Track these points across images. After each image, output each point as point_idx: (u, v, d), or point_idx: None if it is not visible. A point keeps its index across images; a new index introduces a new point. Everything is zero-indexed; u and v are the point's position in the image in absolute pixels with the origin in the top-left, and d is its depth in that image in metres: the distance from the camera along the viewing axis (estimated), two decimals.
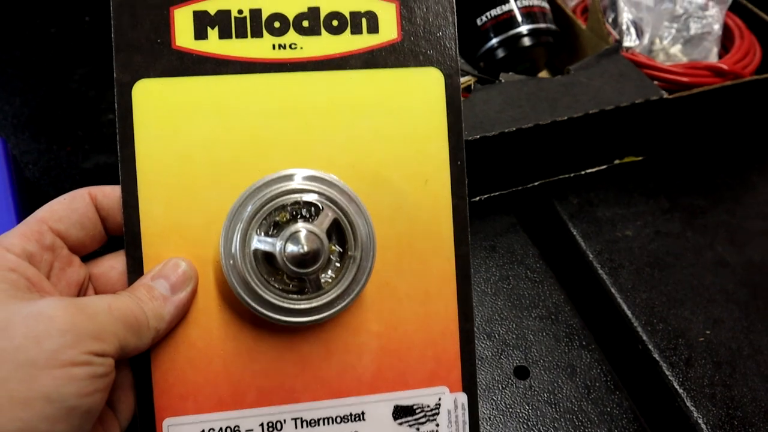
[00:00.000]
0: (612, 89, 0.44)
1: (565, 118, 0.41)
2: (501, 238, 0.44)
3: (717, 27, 0.50)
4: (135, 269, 0.26)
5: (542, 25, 0.49)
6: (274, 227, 0.26)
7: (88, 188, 0.27)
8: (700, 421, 0.35)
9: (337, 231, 0.26)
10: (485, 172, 0.43)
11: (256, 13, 0.27)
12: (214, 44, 0.27)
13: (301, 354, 0.27)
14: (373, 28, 0.28)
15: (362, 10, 0.28)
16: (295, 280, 0.26)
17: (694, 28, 0.51)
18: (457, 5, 0.52)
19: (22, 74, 0.55)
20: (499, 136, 0.40)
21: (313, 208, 0.26)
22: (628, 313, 0.40)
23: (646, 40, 0.51)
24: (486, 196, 0.45)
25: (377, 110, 0.28)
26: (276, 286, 0.26)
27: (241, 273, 0.25)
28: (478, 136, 0.40)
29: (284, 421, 0.27)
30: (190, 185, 0.26)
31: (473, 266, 0.42)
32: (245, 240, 0.25)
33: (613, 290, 0.41)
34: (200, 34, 0.27)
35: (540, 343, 0.39)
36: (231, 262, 0.25)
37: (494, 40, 0.49)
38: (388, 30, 0.28)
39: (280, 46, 0.27)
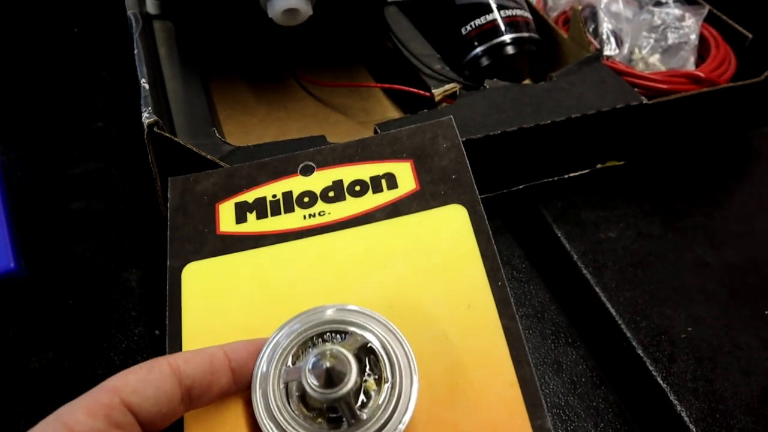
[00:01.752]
0: (594, 95, 0.45)
1: (549, 122, 0.42)
2: None
3: (693, 37, 0.52)
4: None
5: (525, 34, 0.50)
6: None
7: (168, 357, 0.23)
8: (683, 414, 0.36)
9: (374, 360, 0.25)
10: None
11: (287, 195, 0.31)
12: (252, 224, 0.30)
13: None
14: (393, 185, 0.31)
15: (380, 174, 0.31)
16: (330, 415, 0.24)
17: (672, 38, 0.52)
18: (442, 15, 0.53)
19: (11, 83, 0.56)
20: (484, 138, 0.41)
21: (343, 336, 0.25)
22: (612, 311, 0.41)
23: (625, 49, 0.52)
24: None
25: (408, 251, 0.28)
26: (307, 424, 0.24)
27: (268, 407, 0.24)
28: (463, 139, 0.41)
29: None
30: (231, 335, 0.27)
31: None
32: (276, 370, 0.24)
33: (597, 289, 0.42)
34: (240, 219, 0.31)
35: (527, 341, 0.39)
36: (259, 394, 0.24)
37: (478, 49, 0.50)
38: (407, 183, 0.30)
39: (310, 215, 0.30)
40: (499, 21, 0.50)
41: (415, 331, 0.26)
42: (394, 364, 0.24)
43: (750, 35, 0.52)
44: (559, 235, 0.45)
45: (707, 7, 0.53)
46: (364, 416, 0.23)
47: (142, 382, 0.22)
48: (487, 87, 0.45)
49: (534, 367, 0.37)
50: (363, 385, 0.24)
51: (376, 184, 0.31)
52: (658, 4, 0.55)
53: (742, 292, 0.43)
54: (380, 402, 0.23)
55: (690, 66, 0.52)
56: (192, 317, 0.28)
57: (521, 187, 0.46)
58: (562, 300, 0.42)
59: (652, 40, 0.53)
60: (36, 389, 0.35)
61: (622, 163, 0.49)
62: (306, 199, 0.31)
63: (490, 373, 0.25)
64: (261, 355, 0.25)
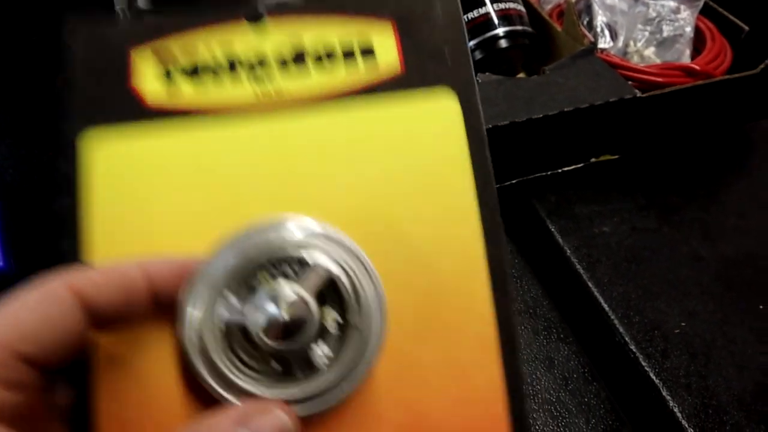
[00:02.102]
0: (587, 88, 0.45)
1: (541, 115, 0.42)
2: None
3: (689, 30, 0.51)
4: None
5: (518, 28, 0.50)
6: (251, 292, 0.20)
7: (69, 281, 0.19)
8: (675, 410, 0.36)
9: (335, 294, 0.20)
10: None
11: (232, 57, 0.23)
12: (181, 88, 0.23)
13: None
14: (369, 57, 0.24)
15: (353, 39, 0.24)
16: (279, 359, 0.20)
17: (667, 30, 0.52)
18: None
19: (3, 81, 0.56)
20: None
21: (301, 266, 0.20)
22: (605, 306, 0.40)
23: (620, 42, 0.52)
24: None
25: (382, 149, 0.23)
26: (255, 367, 0.20)
27: (205, 351, 0.19)
28: None
29: None
30: (153, 243, 0.21)
31: None
32: (212, 309, 0.20)
33: (590, 284, 0.41)
34: (167, 77, 0.23)
35: (519, 337, 0.39)
36: (193, 336, 0.19)
37: (471, 43, 0.50)
38: (388, 56, 0.24)
39: (263, 94, 0.23)
40: (492, 14, 0.50)
41: (382, 253, 0.21)
42: (362, 305, 0.20)
43: (746, 27, 0.52)
44: (553, 229, 0.44)
45: (702, 0, 0.53)
46: (324, 365, 0.20)
47: (38, 325, 0.18)
48: (480, 81, 0.45)
49: (525, 362, 0.37)
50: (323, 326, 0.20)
51: (348, 54, 0.23)
52: None
53: (738, 286, 0.42)
54: (344, 348, 0.20)
55: (685, 59, 0.51)
56: (100, 208, 0.21)
57: (514, 181, 0.46)
58: (554, 295, 0.42)
59: (647, 33, 0.52)
60: None
61: (616, 157, 0.48)
62: (257, 67, 0.23)
63: (465, 308, 0.22)
64: (192, 281, 0.20)
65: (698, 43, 0.53)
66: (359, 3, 0.24)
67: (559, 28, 0.51)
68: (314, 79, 0.23)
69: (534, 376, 0.37)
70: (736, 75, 0.47)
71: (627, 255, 0.43)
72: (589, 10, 0.53)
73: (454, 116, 0.23)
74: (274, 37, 0.23)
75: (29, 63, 0.57)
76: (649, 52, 0.52)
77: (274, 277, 0.20)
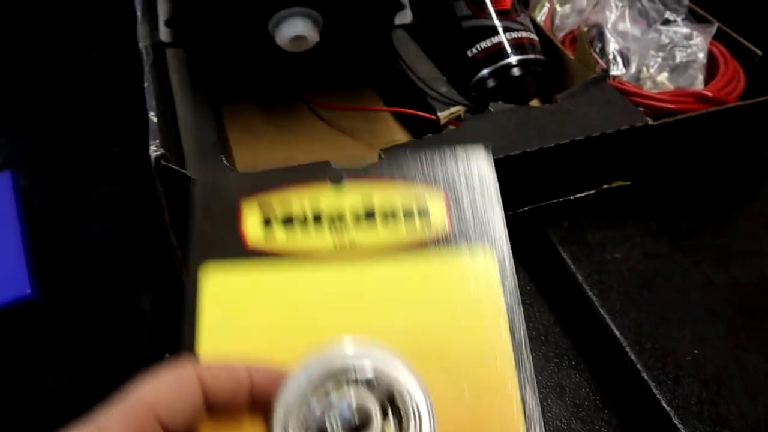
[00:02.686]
0: (598, 116, 0.45)
1: (552, 145, 0.43)
2: None
3: (702, 55, 0.52)
4: None
5: (531, 56, 0.51)
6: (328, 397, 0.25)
7: (196, 368, 0.23)
8: None
9: (394, 406, 0.25)
10: None
11: (317, 213, 0.30)
12: (279, 237, 0.29)
13: None
14: (425, 217, 0.30)
15: (412, 200, 0.30)
16: None
17: (680, 56, 0.52)
18: (448, 38, 0.54)
19: (29, 110, 0.58)
20: None
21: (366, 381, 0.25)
22: (617, 332, 0.41)
23: (633, 68, 0.52)
24: None
25: (434, 295, 0.28)
26: None
27: None
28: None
29: None
30: (247, 353, 0.26)
31: None
32: (298, 411, 0.24)
33: (602, 311, 0.42)
34: (267, 225, 0.29)
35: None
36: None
37: (485, 71, 0.50)
38: (439, 218, 0.29)
39: (341, 246, 0.29)
40: (505, 43, 0.51)
41: (432, 375, 0.26)
42: (417, 417, 0.24)
43: (760, 52, 0.52)
44: (565, 256, 0.45)
45: (715, 25, 0.53)
46: None
47: (174, 397, 0.22)
48: (492, 110, 0.46)
49: (537, 390, 0.38)
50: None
51: (407, 214, 0.30)
52: (667, 22, 0.55)
53: (750, 311, 0.42)
54: None
55: (699, 84, 0.52)
56: (209, 321, 0.27)
57: (527, 208, 0.47)
58: (566, 322, 0.42)
59: (659, 59, 0.53)
60: (51, 411, 0.37)
61: (628, 183, 0.49)
62: (336, 221, 0.29)
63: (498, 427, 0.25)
64: (282, 389, 0.24)
65: (711, 68, 0.53)
66: (418, 172, 0.30)
67: (571, 56, 0.52)
68: (380, 234, 0.29)
69: (545, 404, 0.38)
70: (749, 101, 0.47)
71: (639, 281, 0.44)
72: (601, 36, 0.53)
73: (491, 268, 0.28)
74: (351, 197, 0.30)
75: (54, 90, 0.60)
76: (662, 77, 0.53)
77: (344, 386, 0.25)
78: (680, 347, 0.40)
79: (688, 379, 0.39)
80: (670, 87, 0.52)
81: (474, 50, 0.51)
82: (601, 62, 0.52)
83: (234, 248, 0.28)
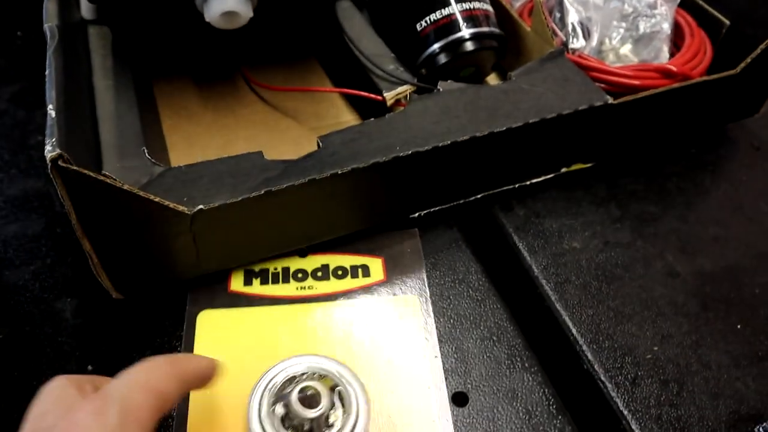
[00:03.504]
0: (555, 95, 0.42)
1: (504, 128, 0.40)
2: (442, 254, 0.42)
3: (666, 26, 0.48)
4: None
5: (485, 29, 0.47)
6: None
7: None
8: None
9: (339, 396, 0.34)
10: (423, 187, 0.41)
11: (285, 270, 0.41)
12: (256, 288, 0.40)
13: None
14: (366, 274, 0.41)
15: (358, 264, 0.41)
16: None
17: (644, 27, 0.49)
18: (396, 10, 0.50)
19: None
20: (432, 150, 0.38)
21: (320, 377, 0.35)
22: (573, 330, 0.38)
23: (594, 40, 0.49)
24: (426, 211, 0.43)
25: (372, 325, 0.38)
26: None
27: (260, 422, 0.33)
28: (410, 152, 0.38)
29: None
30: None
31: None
32: (269, 404, 0.33)
33: (558, 307, 0.39)
34: (247, 282, 0.40)
35: (480, 367, 0.37)
36: (255, 420, 0.33)
37: (435, 46, 0.47)
38: (377, 274, 0.40)
39: (301, 288, 0.40)
40: (457, 15, 0.47)
41: (370, 379, 0.35)
42: (353, 401, 0.33)
43: (727, 22, 0.49)
44: (520, 247, 0.42)
45: None
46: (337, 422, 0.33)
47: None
48: (441, 90, 0.42)
49: (486, 395, 0.35)
50: (330, 413, 0.33)
51: (354, 271, 0.41)
52: None
53: (715, 303, 0.40)
54: (341, 425, 0.33)
55: (663, 57, 0.48)
56: (201, 349, 0.37)
57: (479, 196, 0.44)
58: (520, 319, 0.39)
59: (622, 30, 0.49)
60: None
61: (589, 165, 0.46)
62: (300, 275, 0.40)
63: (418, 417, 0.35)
64: (256, 389, 0.34)
65: (677, 38, 0.50)
66: (363, 248, 0.42)
67: (528, 28, 0.48)
68: (334, 284, 0.40)
69: (495, 411, 0.35)
70: (715, 76, 0.44)
71: (598, 273, 0.41)
72: (561, 6, 0.50)
73: (417, 309, 0.39)
74: (312, 262, 0.41)
75: None
76: (626, 50, 0.49)
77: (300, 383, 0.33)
78: (640, 345, 0.38)
79: (647, 380, 0.36)
80: (634, 60, 0.49)
81: (423, 23, 0.47)
82: (560, 34, 0.48)
83: (223, 299, 0.39)
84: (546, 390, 0.36)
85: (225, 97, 0.50)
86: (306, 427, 0.32)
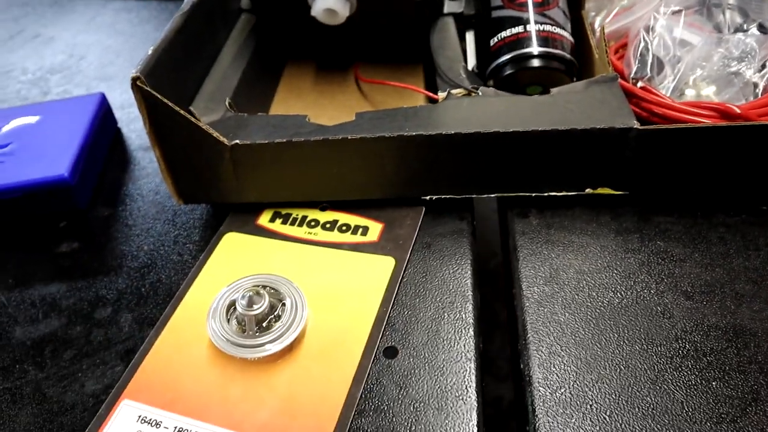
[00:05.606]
0: (582, 113, 0.43)
1: (510, 131, 0.42)
2: (440, 238, 0.45)
3: (750, 73, 0.45)
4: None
5: (556, 51, 0.49)
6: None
7: None
8: None
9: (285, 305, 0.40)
10: (435, 171, 0.45)
11: (304, 217, 0.48)
12: (276, 226, 0.48)
13: (230, 388, 0.37)
14: (364, 233, 0.46)
15: (361, 224, 0.47)
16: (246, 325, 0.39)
17: (732, 69, 0.46)
18: (486, 27, 0.54)
19: None
20: (446, 136, 0.42)
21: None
22: (529, 345, 0.39)
23: (672, 76, 0.48)
24: (436, 197, 0.47)
25: (348, 271, 0.44)
26: (237, 330, 0.39)
27: (218, 320, 0.39)
28: (416, 133, 0.43)
29: (190, 431, 0.35)
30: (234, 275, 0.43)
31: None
32: (225, 307, 0.40)
33: (525, 314, 0.40)
34: (272, 220, 0.48)
35: (422, 335, 0.40)
36: (214, 321, 0.39)
37: (504, 57, 0.50)
38: (373, 235, 0.46)
39: (308, 233, 0.47)
40: (532, 33, 0.50)
41: (322, 309, 0.41)
42: (293, 314, 0.39)
43: None
44: (518, 248, 0.44)
45: None
46: (272, 328, 0.39)
47: None
48: (480, 93, 0.46)
49: (413, 357, 0.38)
50: (272, 316, 0.39)
51: (355, 230, 0.47)
52: (739, 31, 0.49)
53: (699, 356, 0.37)
54: (280, 324, 0.39)
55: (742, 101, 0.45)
56: (215, 260, 0.45)
57: (492, 195, 0.46)
58: (483, 317, 0.41)
59: (708, 70, 0.47)
60: None
61: (619, 193, 0.45)
62: (312, 223, 0.48)
63: (351, 347, 0.39)
64: (222, 292, 0.41)
65: None
66: (372, 213, 0.48)
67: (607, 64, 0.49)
68: (335, 235, 0.47)
69: (414, 371, 0.38)
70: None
71: (585, 297, 0.41)
72: (646, 41, 0.49)
73: (389, 270, 0.44)
74: (327, 216, 0.48)
75: None
76: (708, 91, 0.47)
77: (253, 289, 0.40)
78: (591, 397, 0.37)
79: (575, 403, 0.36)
80: (714, 100, 0.47)
81: (496, 39, 0.51)
82: (633, 65, 0.48)
83: (250, 228, 0.48)
84: (470, 375, 0.37)
85: (332, 84, 0.59)
86: (247, 324, 0.39)
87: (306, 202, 0.48)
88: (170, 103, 0.42)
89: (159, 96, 0.42)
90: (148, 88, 0.42)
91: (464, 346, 0.39)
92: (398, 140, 0.43)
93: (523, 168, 0.44)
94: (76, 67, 0.74)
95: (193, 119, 0.43)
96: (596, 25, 0.52)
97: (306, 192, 0.47)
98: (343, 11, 0.51)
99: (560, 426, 0.34)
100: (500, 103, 0.45)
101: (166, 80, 0.44)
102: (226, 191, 0.47)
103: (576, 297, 0.40)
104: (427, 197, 0.47)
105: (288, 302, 0.40)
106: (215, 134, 0.44)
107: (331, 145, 0.43)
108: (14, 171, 0.50)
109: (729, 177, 0.44)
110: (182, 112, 0.43)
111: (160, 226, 0.50)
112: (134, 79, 0.42)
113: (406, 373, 0.38)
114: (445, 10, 0.57)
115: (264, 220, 0.48)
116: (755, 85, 0.47)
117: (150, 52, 0.44)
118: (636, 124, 0.41)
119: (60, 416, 0.37)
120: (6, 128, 0.56)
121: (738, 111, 0.42)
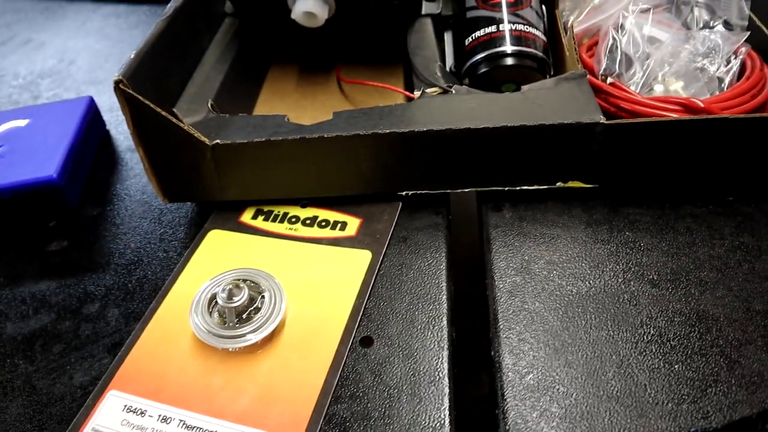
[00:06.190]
0: (550, 110, 0.44)
1: (480, 127, 0.43)
2: (416, 231, 0.47)
3: (715, 65, 0.47)
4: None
5: (529, 50, 0.51)
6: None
7: None
8: None
9: (264, 298, 0.41)
10: (410, 168, 0.47)
11: (285, 214, 0.49)
12: (258, 223, 0.49)
13: (212, 377, 0.39)
14: (342, 228, 0.48)
15: (340, 220, 0.48)
16: (227, 317, 0.40)
17: (698, 64, 0.48)
18: (462, 27, 0.56)
19: None
20: (417, 134, 0.44)
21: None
22: (500, 333, 0.40)
23: (641, 73, 0.49)
24: (412, 192, 0.48)
25: (326, 265, 0.45)
26: (218, 322, 0.40)
27: (200, 313, 0.41)
28: (389, 131, 0.44)
29: (173, 419, 0.37)
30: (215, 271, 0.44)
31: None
32: (207, 301, 0.41)
33: (496, 303, 0.41)
34: (254, 217, 0.49)
35: (398, 324, 0.41)
36: (197, 314, 0.41)
37: (479, 56, 0.52)
38: (351, 230, 0.48)
39: (289, 229, 0.48)
40: (506, 32, 0.51)
41: (301, 301, 0.43)
42: (271, 300, 0.41)
43: None
44: (492, 239, 0.45)
45: (746, 34, 0.47)
46: (252, 319, 0.40)
47: None
48: (453, 92, 0.48)
49: (388, 346, 0.40)
50: (252, 308, 0.41)
51: (334, 225, 0.48)
52: (706, 28, 0.50)
53: (665, 342, 0.39)
54: (259, 315, 0.40)
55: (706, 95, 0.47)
56: (199, 256, 0.47)
57: (466, 190, 0.47)
58: (456, 306, 0.42)
59: (675, 66, 0.49)
60: None
61: (589, 186, 0.47)
62: (293, 220, 0.49)
63: (324, 338, 0.41)
64: (205, 286, 0.42)
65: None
66: (350, 209, 0.49)
67: (567, 53, 0.50)
68: (315, 231, 0.48)
69: (389, 360, 0.39)
70: (741, 116, 0.42)
71: (554, 286, 0.42)
72: (615, 38, 0.51)
73: (365, 263, 0.45)
74: (307, 212, 0.49)
75: None
76: (677, 86, 0.48)
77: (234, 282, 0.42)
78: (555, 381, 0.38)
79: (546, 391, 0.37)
80: (683, 95, 0.48)
81: (470, 39, 0.52)
82: (603, 62, 0.49)
83: (232, 225, 0.49)
84: (442, 363, 0.39)
85: (315, 85, 0.61)
86: (227, 316, 0.40)
87: (287, 200, 0.50)
88: (152, 105, 0.44)
89: (141, 98, 0.43)
90: (131, 91, 0.43)
91: (437, 334, 0.40)
92: (372, 138, 0.44)
93: (495, 163, 0.46)
94: (66, 72, 0.76)
95: (175, 120, 0.45)
96: (569, 24, 0.53)
97: (286, 189, 0.49)
98: (322, 14, 0.53)
99: (528, 409, 0.36)
100: (472, 100, 0.46)
101: (148, 83, 0.46)
102: (208, 190, 0.49)
103: (546, 286, 0.42)
104: (404, 192, 0.48)
105: (267, 295, 0.41)
106: (196, 134, 0.45)
107: (308, 144, 0.45)
108: (5, 173, 0.51)
109: (695, 169, 0.46)
110: (164, 113, 0.44)
111: (146, 224, 0.52)
112: (117, 83, 0.43)
113: (381, 361, 0.39)
114: (423, 11, 0.59)
115: (247, 217, 0.50)
116: (720, 80, 0.48)
117: (132, 56, 0.46)
118: (602, 119, 0.43)
119: (49, 407, 0.38)
120: None
121: (701, 105, 0.44)
